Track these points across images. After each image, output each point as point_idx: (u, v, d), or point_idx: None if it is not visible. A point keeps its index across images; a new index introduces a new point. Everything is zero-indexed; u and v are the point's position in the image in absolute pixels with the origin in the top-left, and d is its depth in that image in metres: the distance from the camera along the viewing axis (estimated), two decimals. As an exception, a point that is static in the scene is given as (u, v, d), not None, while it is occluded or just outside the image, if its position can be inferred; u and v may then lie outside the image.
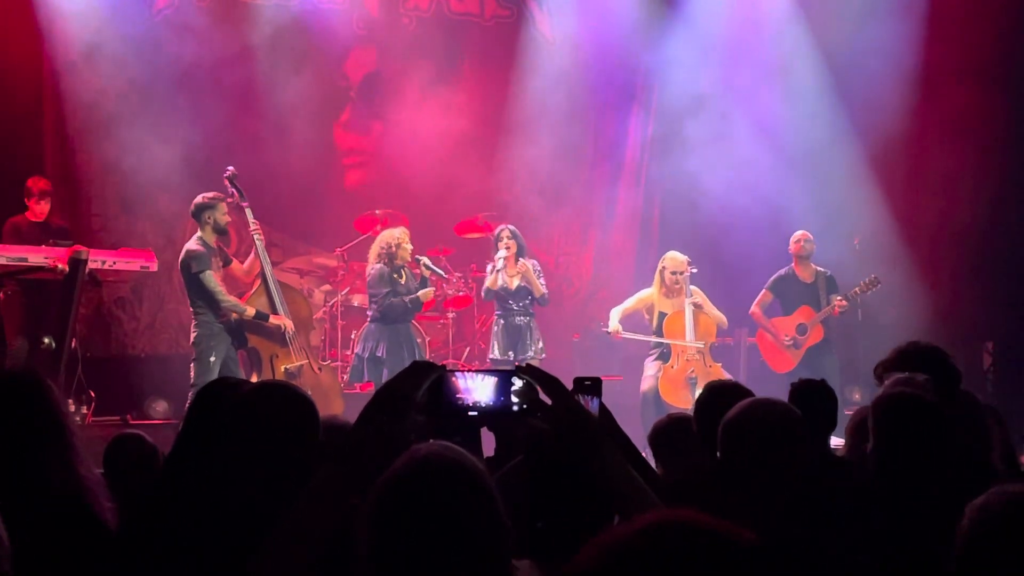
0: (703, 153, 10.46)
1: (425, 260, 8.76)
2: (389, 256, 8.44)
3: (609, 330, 8.64)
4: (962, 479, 3.18)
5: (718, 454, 2.70)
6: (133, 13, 9.80)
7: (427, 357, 8.83)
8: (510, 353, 8.61)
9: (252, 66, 10.14)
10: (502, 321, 8.77)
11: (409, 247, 8.52)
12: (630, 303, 8.81)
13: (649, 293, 8.76)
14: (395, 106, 11.02)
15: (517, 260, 8.71)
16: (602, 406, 2.68)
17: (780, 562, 1.27)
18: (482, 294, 8.83)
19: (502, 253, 8.64)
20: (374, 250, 8.57)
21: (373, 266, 8.52)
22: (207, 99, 9.97)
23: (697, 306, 8.57)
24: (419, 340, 8.81)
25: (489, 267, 8.85)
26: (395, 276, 8.48)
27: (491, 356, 8.74)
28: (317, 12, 10.55)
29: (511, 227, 8.80)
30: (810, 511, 2.66)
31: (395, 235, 8.50)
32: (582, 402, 2.62)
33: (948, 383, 3.66)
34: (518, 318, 8.71)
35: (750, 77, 10.68)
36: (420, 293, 8.54)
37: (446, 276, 9.33)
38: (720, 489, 2.61)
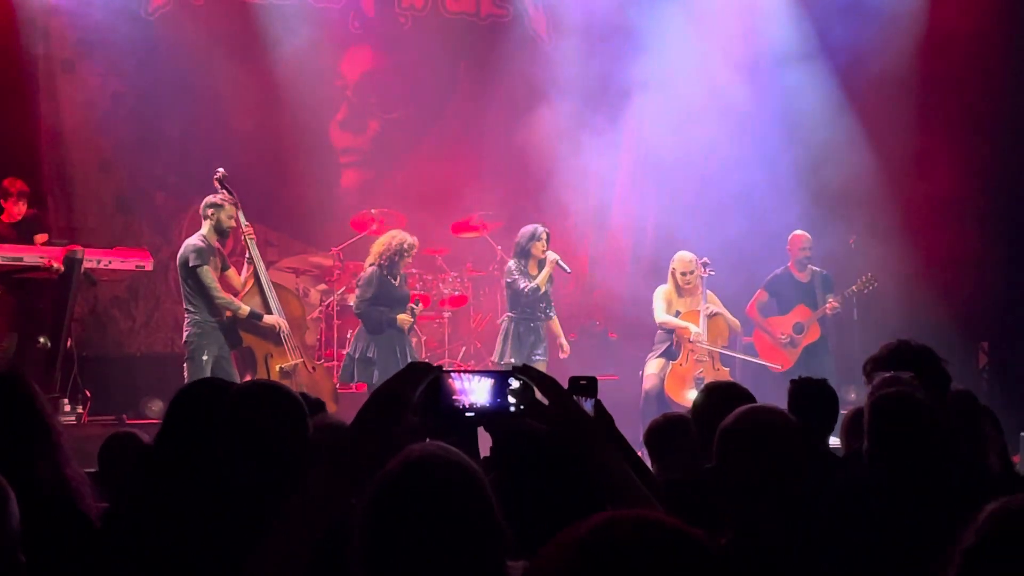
0: (700, 153, 10.46)
1: (556, 257, 8.41)
2: (390, 260, 8.24)
3: (692, 337, 8.57)
4: (958, 479, 3.19)
5: (714, 460, 2.70)
6: (129, 11, 9.79)
7: (422, 358, 8.78)
8: (522, 355, 8.35)
9: (247, 64, 10.12)
10: (520, 326, 8.48)
11: (409, 260, 8.32)
12: (662, 304, 8.77)
13: (668, 290, 8.80)
14: (391, 105, 11.02)
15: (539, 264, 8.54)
16: (599, 405, 2.67)
17: (732, 560, 1.28)
18: (527, 293, 8.35)
19: (554, 256, 8.37)
20: (376, 248, 8.33)
21: (368, 266, 8.40)
22: (202, 97, 9.97)
23: (712, 316, 8.65)
24: (414, 340, 8.74)
25: (512, 263, 8.47)
26: (390, 279, 8.28)
27: (507, 360, 8.34)
28: (312, 11, 10.54)
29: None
30: (805, 514, 2.67)
31: (405, 244, 8.21)
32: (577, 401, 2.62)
33: (937, 384, 3.68)
34: (532, 322, 8.54)
35: (750, 76, 10.67)
36: (399, 317, 8.24)
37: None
38: (716, 493, 2.62)
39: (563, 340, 8.78)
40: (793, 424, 2.68)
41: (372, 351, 8.21)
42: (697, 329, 8.59)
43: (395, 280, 8.32)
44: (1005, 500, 1.72)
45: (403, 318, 8.28)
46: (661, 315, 8.74)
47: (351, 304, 9.53)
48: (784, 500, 2.54)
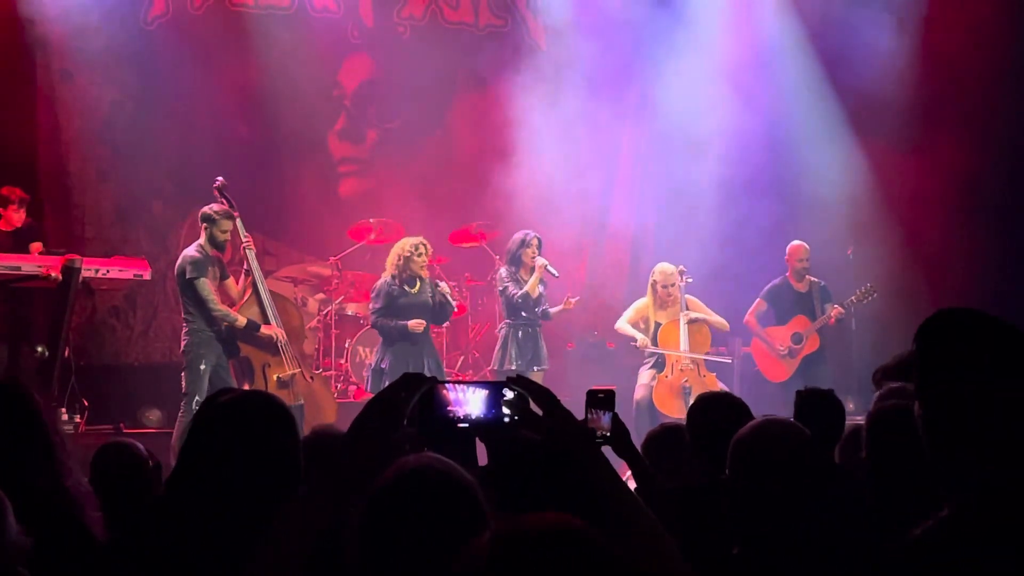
0: (698, 162, 10.47)
1: (544, 262, 8.53)
2: (399, 267, 8.16)
3: (638, 344, 8.63)
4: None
5: (727, 471, 2.72)
6: (127, 21, 9.79)
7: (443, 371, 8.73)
8: (522, 362, 8.41)
9: (246, 74, 10.14)
10: (519, 332, 8.55)
11: (422, 261, 8.21)
12: (630, 314, 8.82)
13: (644, 304, 8.81)
14: (389, 114, 11.03)
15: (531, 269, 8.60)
16: (616, 418, 2.66)
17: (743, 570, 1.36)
18: (517, 299, 8.45)
19: (543, 261, 8.48)
20: (391, 258, 8.27)
21: (383, 278, 8.30)
22: (201, 107, 9.97)
23: (693, 322, 8.64)
24: (436, 351, 8.56)
25: (503, 271, 8.60)
26: (406, 288, 8.20)
27: (507, 367, 8.38)
28: (311, 20, 10.55)
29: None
30: (812, 524, 2.69)
31: (408, 246, 8.18)
32: (594, 415, 2.61)
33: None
34: (531, 328, 8.59)
35: (748, 87, 10.68)
36: (410, 324, 8.12)
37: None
38: (725, 503, 2.63)
39: (567, 299, 8.77)
40: (806, 437, 2.70)
41: (386, 362, 8.17)
42: (644, 338, 8.62)
43: (410, 287, 8.22)
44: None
45: (414, 324, 8.14)
46: (619, 322, 8.83)
47: (349, 313, 9.57)
48: (795, 511, 2.56)
